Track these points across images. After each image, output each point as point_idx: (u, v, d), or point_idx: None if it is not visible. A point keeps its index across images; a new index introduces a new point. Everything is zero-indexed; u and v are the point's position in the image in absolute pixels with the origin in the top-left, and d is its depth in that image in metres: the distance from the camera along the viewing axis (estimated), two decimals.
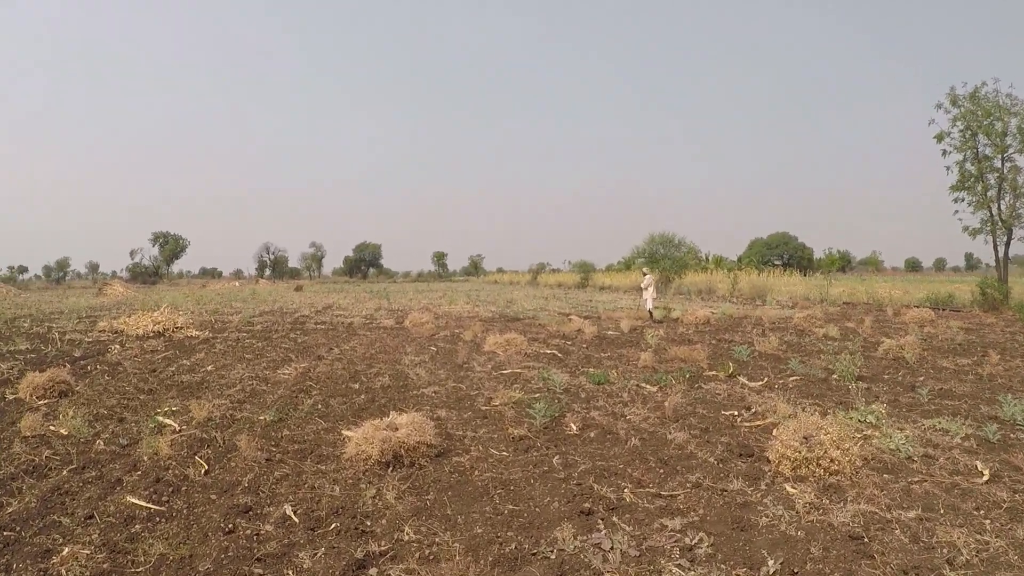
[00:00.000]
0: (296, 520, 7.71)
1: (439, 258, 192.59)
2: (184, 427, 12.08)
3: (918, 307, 38.15)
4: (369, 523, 7.64)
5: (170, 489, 8.80)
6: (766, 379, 16.61)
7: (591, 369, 18.05)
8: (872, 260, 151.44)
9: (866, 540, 7.04)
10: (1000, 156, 37.71)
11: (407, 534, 7.30)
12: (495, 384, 15.96)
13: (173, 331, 26.48)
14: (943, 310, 39.44)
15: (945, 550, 6.81)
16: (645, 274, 35.08)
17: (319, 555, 6.81)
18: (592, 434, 11.48)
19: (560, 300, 54.60)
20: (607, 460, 9.96)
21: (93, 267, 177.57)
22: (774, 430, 10.43)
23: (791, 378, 16.74)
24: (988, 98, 37.80)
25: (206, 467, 9.76)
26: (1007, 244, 38.80)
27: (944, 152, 39.54)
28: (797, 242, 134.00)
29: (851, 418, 12.11)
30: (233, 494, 8.60)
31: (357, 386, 15.89)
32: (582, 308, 43.52)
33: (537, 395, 14.52)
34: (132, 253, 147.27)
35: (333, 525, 7.58)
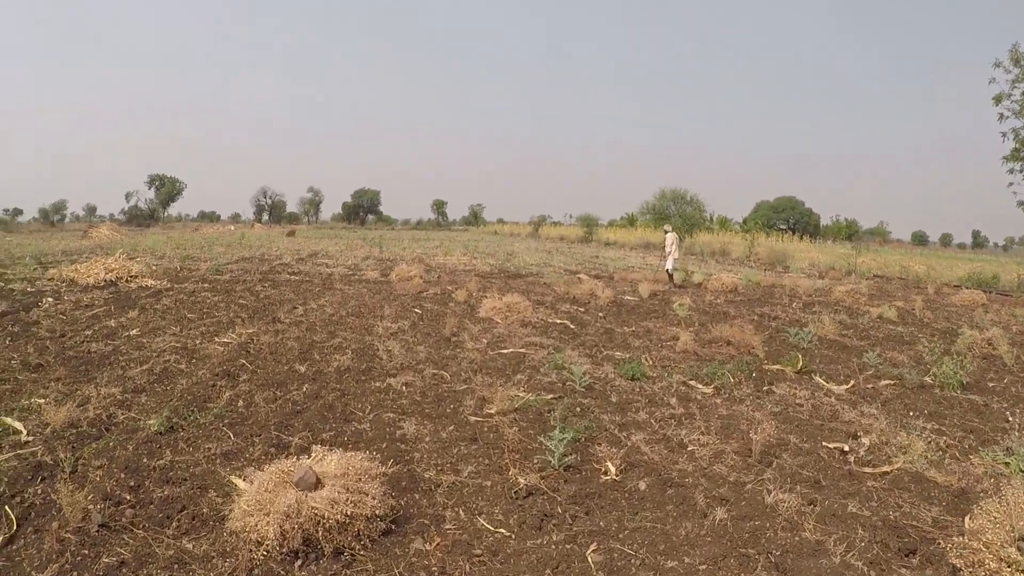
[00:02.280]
0: None
1: (439, 206, 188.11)
2: (36, 435, 8.22)
3: (967, 288, 34.27)
4: None
5: None
6: (852, 382, 12.74)
7: (617, 353, 14.15)
8: (879, 231, 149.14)
9: None
10: None
11: None
12: (491, 372, 12.06)
13: (127, 280, 22.80)
14: (990, 293, 35.13)
15: None
16: (667, 232, 30.54)
17: None
18: (642, 485, 7.41)
19: (564, 255, 50.52)
20: (679, 553, 6.00)
21: (90, 209, 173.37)
22: (970, 518, 6.18)
23: (881, 382, 12.96)
24: None
25: (12, 530, 5.96)
26: None
27: (1001, 116, 35.06)
28: (804, 207, 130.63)
29: (1008, 464, 8.54)
30: None
31: (303, 368, 11.92)
32: (589, 265, 39.86)
33: (550, 396, 10.60)
34: (128, 196, 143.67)
35: None
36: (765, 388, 11.90)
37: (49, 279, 22.87)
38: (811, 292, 29.03)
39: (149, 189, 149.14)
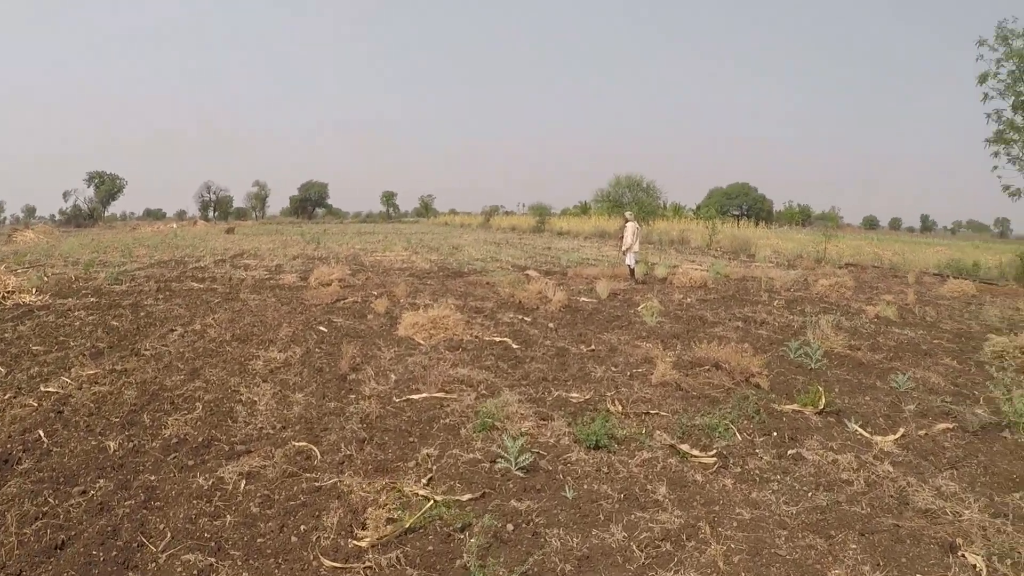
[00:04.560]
0: None
1: (388, 198, 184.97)
2: None
3: (953, 278, 31.99)
4: None
5: None
6: (900, 430, 9.32)
7: (572, 393, 10.49)
8: (831, 216, 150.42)
9: None
10: None
11: None
12: (385, 443, 8.37)
13: (3, 298, 19.33)
14: (973, 281, 32.31)
15: None
16: (628, 220, 27.19)
17: None
18: None
19: (514, 247, 47.42)
20: None
21: (30, 211, 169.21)
22: None
23: (936, 426, 9.61)
24: None
25: None
26: None
27: (985, 96, 32.72)
28: (757, 193, 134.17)
29: None
30: None
31: (116, 444, 8.07)
32: (541, 259, 37.01)
33: (468, 497, 6.79)
34: (65, 195, 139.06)
35: None
36: (790, 451, 8.34)
37: None
38: (789, 286, 26.28)
39: (88, 187, 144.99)
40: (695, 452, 8.08)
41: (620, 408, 9.65)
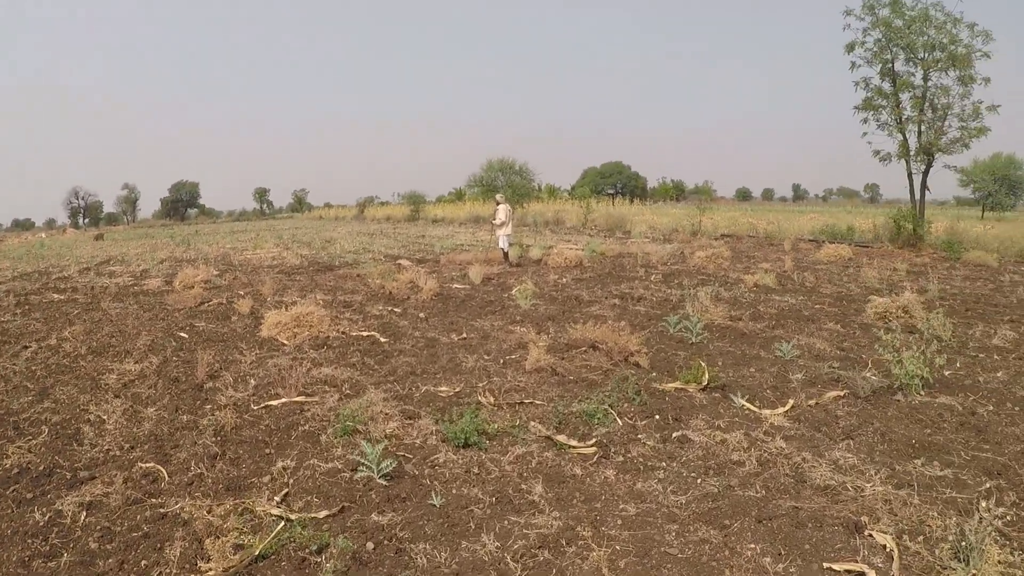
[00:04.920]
0: None
1: (261, 195, 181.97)
2: None
3: (829, 243, 32.46)
4: None
5: None
6: (790, 401, 9.01)
7: (441, 387, 9.95)
8: (705, 190, 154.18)
9: None
10: (924, 73, 32.29)
11: None
12: (239, 457, 7.66)
13: None
14: (851, 245, 33.10)
15: None
16: (499, 203, 27.00)
17: None
18: None
19: (388, 237, 46.69)
20: None
21: None
22: None
23: (827, 395, 9.34)
24: (911, 7, 32.30)
25: None
26: (925, 173, 33.49)
27: (853, 65, 34.15)
28: (631, 171, 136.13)
29: None
30: None
31: None
32: (414, 248, 36.60)
33: (325, 513, 6.12)
34: None
35: None
36: (675, 433, 7.92)
37: None
38: (666, 260, 26.34)
39: None
40: (573, 442, 7.61)
41: (492, 399, 9.16)
